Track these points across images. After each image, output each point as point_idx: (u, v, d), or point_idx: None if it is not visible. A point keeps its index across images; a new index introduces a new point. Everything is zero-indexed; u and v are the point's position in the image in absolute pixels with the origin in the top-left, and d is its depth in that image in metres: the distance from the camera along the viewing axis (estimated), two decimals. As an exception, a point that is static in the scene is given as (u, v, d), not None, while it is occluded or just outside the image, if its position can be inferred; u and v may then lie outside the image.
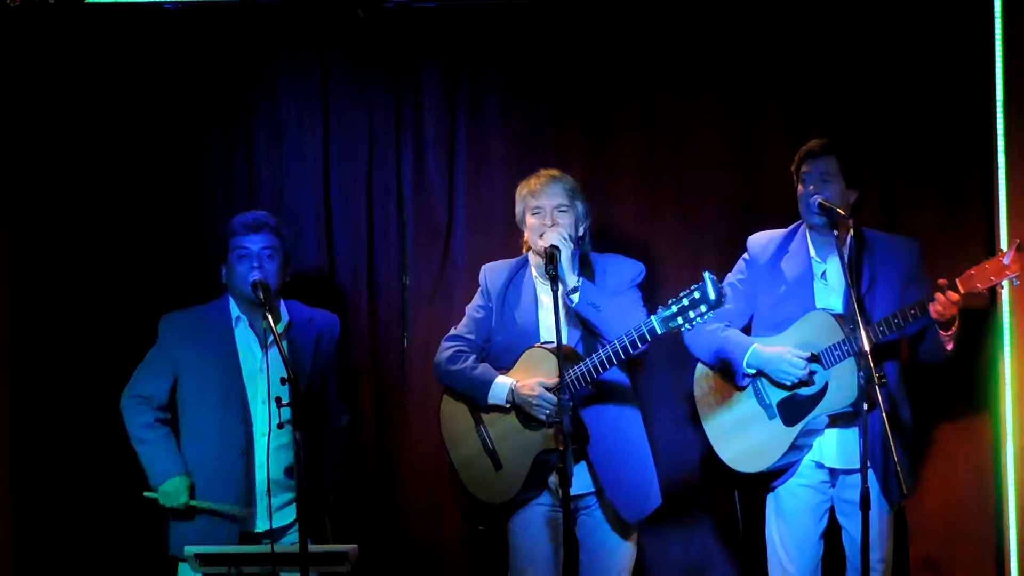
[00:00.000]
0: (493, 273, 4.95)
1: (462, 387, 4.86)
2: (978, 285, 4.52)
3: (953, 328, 4.62)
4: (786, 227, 4.95)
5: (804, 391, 4.73)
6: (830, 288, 4.81)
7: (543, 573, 4.79)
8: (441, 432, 4.95)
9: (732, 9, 5.44)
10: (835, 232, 4.63)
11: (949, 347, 4.66)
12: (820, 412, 4.71)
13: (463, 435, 4.87)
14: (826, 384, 4.70)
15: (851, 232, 4.77)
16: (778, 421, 4.76)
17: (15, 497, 5.45)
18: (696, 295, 4.44)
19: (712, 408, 4.92)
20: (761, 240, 4.96)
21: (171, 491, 4.76)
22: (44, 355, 5.49)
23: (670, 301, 4.49)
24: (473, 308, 4.96)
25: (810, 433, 4.76)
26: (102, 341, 5.44)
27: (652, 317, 4.52)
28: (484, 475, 4.82)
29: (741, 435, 4.83)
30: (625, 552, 4.82)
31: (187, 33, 5.50)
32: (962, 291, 4.52)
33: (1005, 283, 4.54)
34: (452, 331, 4.96)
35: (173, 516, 4.82)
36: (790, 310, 4.81)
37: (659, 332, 4.51)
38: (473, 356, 4.86)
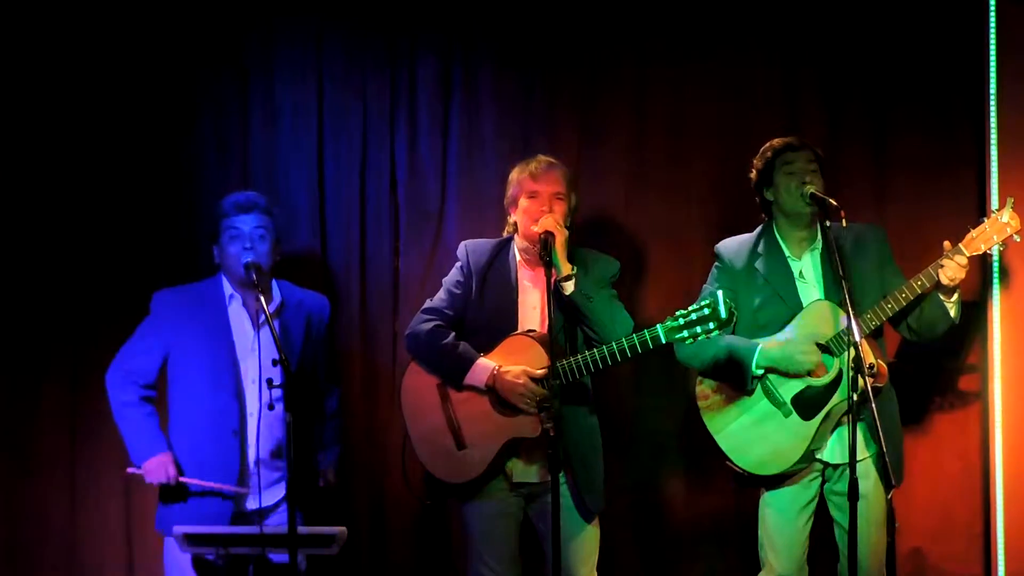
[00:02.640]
0: (476, 250, 4.86)
1: (440, 363, 4.75)
2: (982, 246, 4.60)
3: (956, 295, 4.66)
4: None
5: (818, 382, 4.70)
6: (809, 285, 4.81)
7: (505, 561, 4.78)
8: (401, 403, 4.84)
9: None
10: (828, 223, 4.63)
11: (952, 313, 4.68)
12: (838, 400, 4.67)
13: (426, 410, 4.77)
14: (840, 372, 4.67)
15: (819, 227, 4.78)
16: (795, 417, 4.71)
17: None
18: (706, 311, 4.43)
19: (721, 417, 4.82)
20: (732, 245, 4.91)
21: (155, 467, 4.75)
22: (35, 333, 5.49)
23: (678, 313, 4.48)
24: (451, 283, 4.86)
25: (828, 420, 4.71)
26: (96, 321, 5.44)
27: (658, 326, 4.50)
28: (443, 453, 4.73)
29: (758, 438, 4.75)
30: (590, 536, 4.78)
31: (182, 13, 5.48)
32: (968, 254, 4.59)
33: (1015, 238, 4.60)
34: (428, 303, 4.86)
35: (162, 494, 4.81)
36: (775, 311, 4.78)
37: (662, 342, 4.50)
38: (453, 333, 4.78)
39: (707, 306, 4.44)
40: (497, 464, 4.71)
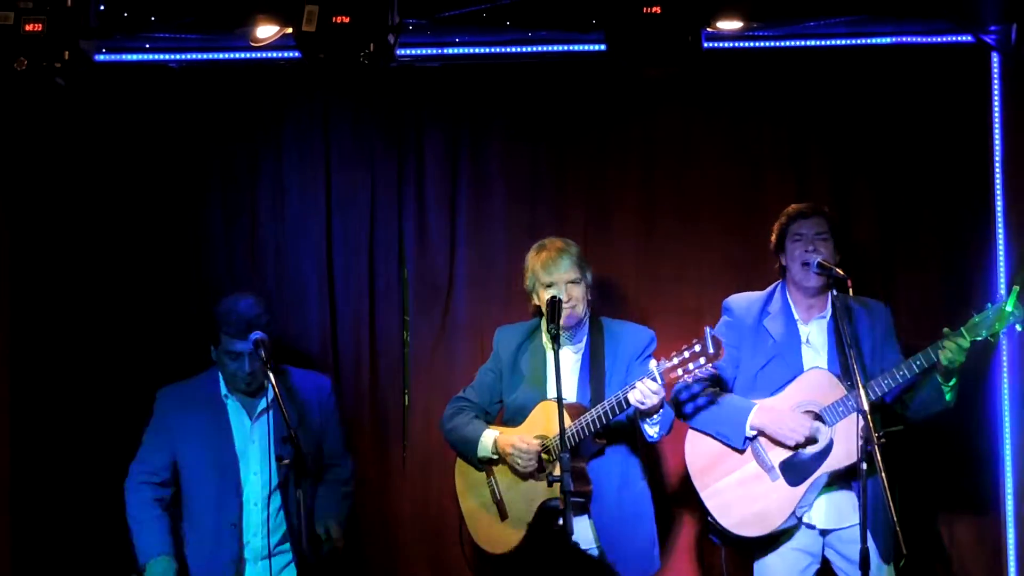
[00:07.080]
0: (505, 336, 4.99)
1: (457, 444, 4.92)
2: (983, 332, 4.62)
3: (953, 379, 4.67)
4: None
5: (808, 450, 4.71)
6: (814, 350, 4.83)
7: None
8: (455, 483, 4.97)
9: (732, 71, 5.46)
10: (834, 291, 4.64)
11: (948, 398, 4.69)
12: (826, 470, 4.69)
13: (475, 485, 4.90)
14: (831, 442, 4.69)
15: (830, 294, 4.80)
16: (781, 482, 4.73)
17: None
18: (696, 348, 4.50)
19: (709, 475, 4.84)
20: (742, 301, 4.95)
21: (157, 571, 4.76)
22: (47, 415, 5.52)
23: (672, 354, 4.54)
24: (483, 371, 5.01)
25: (812, 491, 4.74)
26: (104, 390, 5.49)
27: (653, 366, 4.56)
28: (489, 525, 4.85)
29: (743, 499, 4.77)
30: None
31: (191, 93, 5.53)
32: (970, 338, 4.61)
33: (1018, 327, 4.66)
34: (460, 392, 5.01)
35: None
36: (777, 372, 4.81)
37: (660, 383, 4.54)
38: (472, 415, 4.90)
39: (697, 343, 4.51)
40: (539, 530, 4.75)
